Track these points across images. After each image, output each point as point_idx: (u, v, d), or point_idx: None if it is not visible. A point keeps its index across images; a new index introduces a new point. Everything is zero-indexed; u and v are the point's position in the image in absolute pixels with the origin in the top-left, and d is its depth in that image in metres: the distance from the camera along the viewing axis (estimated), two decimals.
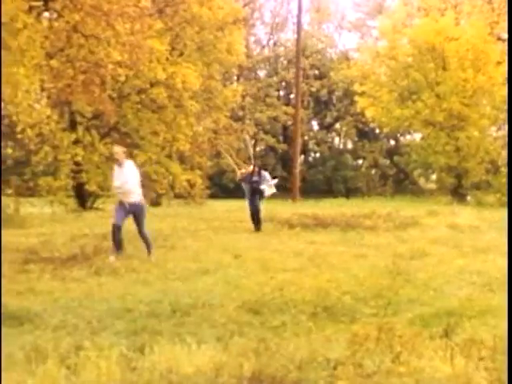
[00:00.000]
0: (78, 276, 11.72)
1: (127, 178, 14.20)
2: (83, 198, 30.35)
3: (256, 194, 20.02)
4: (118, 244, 13.87)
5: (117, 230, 13.85)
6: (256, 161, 22.06)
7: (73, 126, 30.43)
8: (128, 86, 29.86)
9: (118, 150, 14.58)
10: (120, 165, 14.36)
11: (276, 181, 20.98)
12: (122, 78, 25.00)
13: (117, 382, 5.95)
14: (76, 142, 29.51)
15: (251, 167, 20.72)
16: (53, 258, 13.82)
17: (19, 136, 20.43)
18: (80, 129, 30.30)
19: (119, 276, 11.69)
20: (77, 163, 29.20)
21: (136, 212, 14.10)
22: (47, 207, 28.62)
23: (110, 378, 5.98)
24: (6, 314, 8.24)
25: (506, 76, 30.68)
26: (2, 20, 16.45)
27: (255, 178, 20.14)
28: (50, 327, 7.75)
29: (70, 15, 19.85)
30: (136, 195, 14.17)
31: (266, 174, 20.61)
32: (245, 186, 20.55)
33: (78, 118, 30.53)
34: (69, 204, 29.66)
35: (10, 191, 24.14)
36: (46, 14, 21.19)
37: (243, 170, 21.05)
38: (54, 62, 20.57)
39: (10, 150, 22.46)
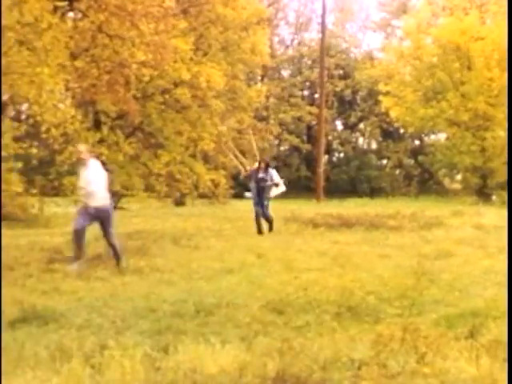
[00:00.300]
0: (102, 275, 11.73)
1: (91, 179, 12.81)
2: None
3: (263, 193, 19.13)
4: (80, 251, 12.75)
5: (80, 235, 12.71)
6: (263, 157, 21.24)
7: (97, 125, 30.54)
8: (152, 85, 29.93)
9: (82, 149, 13.45)
10: (84, 164, 13.02)
11: (282, 182, 19.98)
12: (147, 78, 25.11)
13: (141, 381, 5.93)
14: (100, 141, 29.62)
15: (256, 164, 19.81)
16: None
17: (44, 136, 20.53)
18: (104, 128, 30.43)
19: (143, 275, 11.70)
20: (101, 163, 29.27)
21: (102, 218, 12.79)
22: (72, 207, 28.69)
23: (134, 378, 5.96)
24: (31, 313, 8.28)
25: (506, 76, 30.56)
26: (27, 20, 16.55)
27: (261, 175, 19.11)
28: (74, 326, 7.76)
29: (94, 15, 19.97)
30: (102, 199, 12.78)
31: (273, 171, 19.62)
32: (251, 185, 19.57)
33: (103, 118, 30.64)
34: None
35: (34, 191, 24.20)
36: (71, 14, 21.32)
37: (248, 168, 20.31)
38: (78, 62, 20.69)
39: (34, 150, 22.52)
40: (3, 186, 20.79)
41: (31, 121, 22.63)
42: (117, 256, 12.80)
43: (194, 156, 33.41)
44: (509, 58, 25.56)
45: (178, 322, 8.10)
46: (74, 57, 20.68)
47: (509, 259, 9.73)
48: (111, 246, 12.93)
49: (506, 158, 34.33)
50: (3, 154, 20.21)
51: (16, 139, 22.07)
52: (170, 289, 10.36)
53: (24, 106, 26.95)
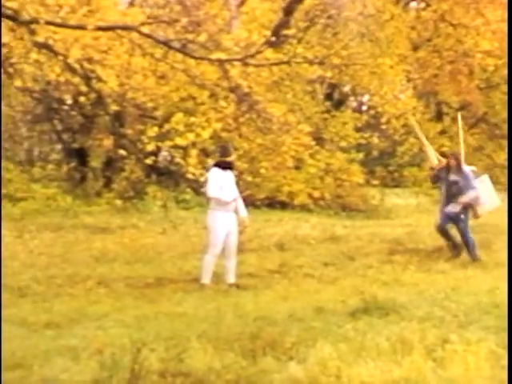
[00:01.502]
0: (443, 268, 11.63)
1: None
2: None
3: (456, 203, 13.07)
4: None
5: None
6: (453, 152, 14.87)
7: (439, 116, 30.21)
8: (497, 75, 28.99)
9: None
10: None
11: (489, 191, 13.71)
12: (491, 68, 24.36)
13: (486, 379, 5.71)
14: (442, 132, 29.26)
15: (444, 159, 13.95)
16: (418, 250, 13.82)
17: (384, 127, 20.66)
18: (446, 119, 30.01)
19: (487, 270, 11.33)
20: (443, 154, 28.91)
21: None
22: (412, 198, 28.69)
23: (477, 375, 5.75)
24: (372, 303, 8.24)
25: (506, 75, 25.83)
26: (369, 11, 16.71)
27: (453, 178, 13.16)
28: (415, 319, 7.60)
29: (437, 4, 19.78)
30: None
31: (469, 171, 13.43)
32: (441, 189, 13.86)
33: (445, 109, 30.25)
34: (434, 195, 29.48)
35: (375, 182, 24.45)
36: (414, 3, 21.29)
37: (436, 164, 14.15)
38: (420, 53, 20.60)
39: (375, 141, 22.76)
40: (344, 177, 21.29)
41: (372, 112, 22.89)
42: None
43: None
44: (509, 57, 21.64)
45: None
46: (415, 47, 20.62)
47: (509, 259, 9.38)
48: None
49: (506, 158, 29.07)
50: (344, 144, 20.70)
51: (357, 130, 22.47)
52: None
53: (365, 97, 27.38)
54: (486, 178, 13.88)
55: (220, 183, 10.71)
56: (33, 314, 8.38)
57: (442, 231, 13.21)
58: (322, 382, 5.63)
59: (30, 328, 7.70)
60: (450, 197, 13.11)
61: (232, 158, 11.14)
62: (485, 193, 13.35)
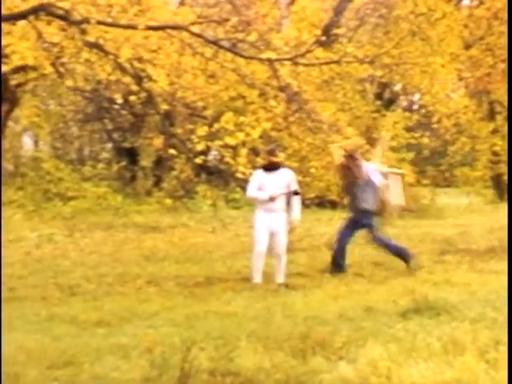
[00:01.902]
0: (496, 268, 11.40)
1: None
2: (501, 188, 29.65)
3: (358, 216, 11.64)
4: None
5: None
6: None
7: (491, 115, 29.85)
8: None
9: None
10: None
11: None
12: None
13: None
14: (494, 131, 28.93)
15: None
16: (469, 250, 13.68)
17: (435, 126, 20.49)
18: (499, 118, 29.64)
19: None
20: (495, 153, 28.60)
21: None
22: (463, 198, 28.42)
23: None
24: (423, 303, 8.15)
25: (506, 75, 25.10)
26: (420, 10, 16.55)
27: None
28: (467, 319, 7.49)
29: (490, 2, 19.54)
30: None
31: (371, 168, 11.76)
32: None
33: (497, 108, 29.87)
34: (486, 195, 29.19)
35: (425, 181, 24.26)
36: (466, 1, 21.06)
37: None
38: (472, 51, 20.36)
39: (426, 140, 22.55)
40: None
41: (423, 111, 22.74)
42: None
43: None
44: (509, 56, 21.03)
45: None
46: (467, 45, 20.40)
47: (509, 260, 9.34)
48: None
49: (506, 158, 28.07)
50: (394, 143, 20.58)
51: (408, 129, 22.31)
52: None
53: (416, 96, 27.18)
54: (395, 176, 12.48)
55: (259, 183, 10.69)
56: (83, 312, 8.42)
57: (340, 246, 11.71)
58: (373, 383, 5.58)
59: (81, 326, 7.74)
60: (355, 199, 11.64)
61: (279, 158, 11.12)
62: (393, 191, 12.12)
